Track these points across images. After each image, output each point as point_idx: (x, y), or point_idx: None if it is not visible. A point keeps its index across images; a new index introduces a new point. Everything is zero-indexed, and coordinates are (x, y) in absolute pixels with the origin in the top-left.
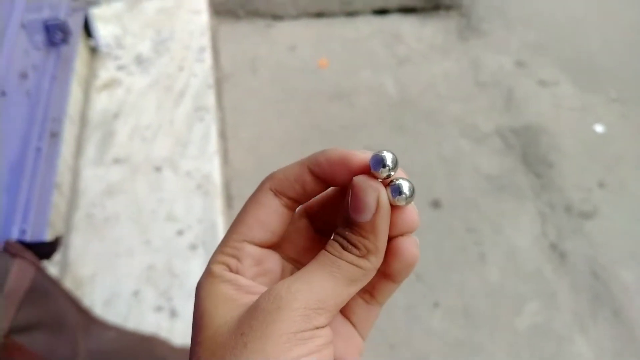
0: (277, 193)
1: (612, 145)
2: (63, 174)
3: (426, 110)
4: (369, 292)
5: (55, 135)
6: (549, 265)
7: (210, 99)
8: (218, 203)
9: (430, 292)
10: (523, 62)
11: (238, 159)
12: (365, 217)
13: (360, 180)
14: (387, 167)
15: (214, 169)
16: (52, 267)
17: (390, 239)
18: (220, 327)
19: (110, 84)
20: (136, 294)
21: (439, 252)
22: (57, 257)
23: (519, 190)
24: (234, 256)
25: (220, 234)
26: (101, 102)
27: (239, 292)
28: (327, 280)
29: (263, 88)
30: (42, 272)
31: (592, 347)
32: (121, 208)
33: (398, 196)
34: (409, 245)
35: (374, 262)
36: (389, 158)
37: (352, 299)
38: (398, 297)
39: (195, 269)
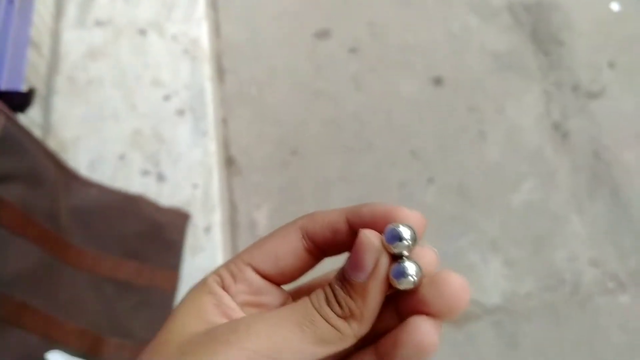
0: (306, 234)
1: (628, 24)
2: (42, 34)
3: None
4: None
5: None
6: (550, 145)
7: None
8: (206, 69)
9: (425, 169)
10: None
11: (230, 31)
12: (359, 276)
13: (366, 235)
14: (404, 243)
15: (202, 33)
16: (34, 129)
17: (407, 312)
18: (173, 339)
19: None
20: (122, 157)
21: (438, 129)
22: (38, 119)
23: (526, 69)
24: (232, 274)
25: (209, 100)
26: None
27: (216, 309)
28: (293, 332)
29: None
30: (14, 122)
31: (587, 226)
32: (104, 72)
33: (402, 278)
34: (425, 329)
35: (355, 330)
36: (406, 233)
37: None
38: (392, 174)
39: (183, 135)
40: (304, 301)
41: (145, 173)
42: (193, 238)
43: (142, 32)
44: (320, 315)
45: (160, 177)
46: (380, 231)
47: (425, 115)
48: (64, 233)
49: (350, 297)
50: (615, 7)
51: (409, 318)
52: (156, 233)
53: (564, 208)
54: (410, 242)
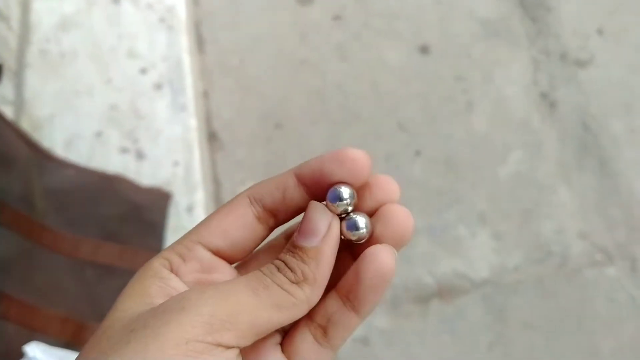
0: (254, 201)
1: None
2: (11, 6)
3: None
4: (322, 326)
5: None
6: (537, 115)
7: None
8: (184, 39)
9: (412, 141)
10: None
11: None
12: (312, 241)
13: (317, 203)
14: (345, 202)
15: (179, 0)
16: (6, 107)
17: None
18: (118, 320)
19: None
20: (99, 135)
21: (425, 100)
22: (10, 96)
23: (514, 37)
24: (180, 255)
25: (187, 73)
26: None
27: (161, 292)
28: (248, 296)
29: None
30: None
31: (575, 197)
32: (78, 44)
33: (354, 230)
34: (381, 255)
35: (308, 294)
36: (345, 192)
37: (300, 336)
38: (378, 146)
39: (162, 110)
40: (256, 272)
41: (123, 151)
42: (175, 218)
43: (115, 0)
44: (273, 281)
45: (140, 155)
46: (329, 177)
47: (412, 86)
48: (39, 216)
49: (304, 262)
50: None
51: (365, 250)
52: (137, 214)
53: (552, 179)
54: (349, 199)
